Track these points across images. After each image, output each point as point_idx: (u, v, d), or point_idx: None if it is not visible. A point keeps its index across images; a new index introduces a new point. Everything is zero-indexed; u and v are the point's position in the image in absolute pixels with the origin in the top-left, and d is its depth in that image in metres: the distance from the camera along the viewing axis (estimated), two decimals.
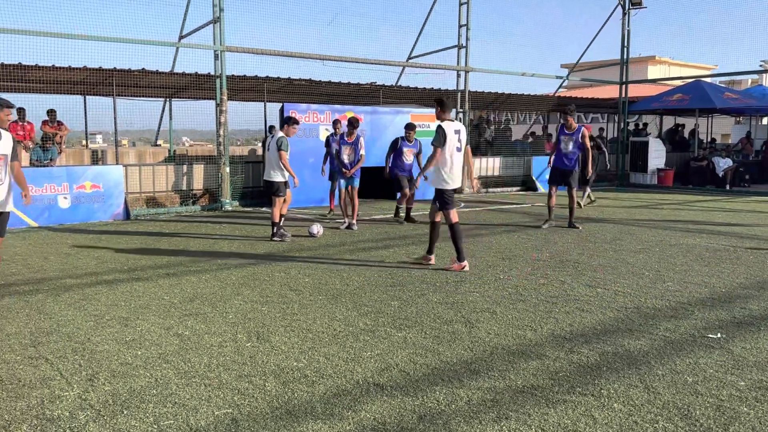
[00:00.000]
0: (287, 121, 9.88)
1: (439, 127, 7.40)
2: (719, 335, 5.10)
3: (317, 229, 10.12)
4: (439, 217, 7.82)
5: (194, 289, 6.64)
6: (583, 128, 11.24)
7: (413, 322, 5.45)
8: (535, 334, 5.12)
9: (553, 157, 11.39)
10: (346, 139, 11.23)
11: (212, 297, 6.32)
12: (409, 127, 11.93)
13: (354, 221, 11.06)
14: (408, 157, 11.91)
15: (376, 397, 3.88)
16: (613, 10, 21.70)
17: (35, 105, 23.03)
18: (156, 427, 3.50)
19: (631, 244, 9.42)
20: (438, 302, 6.11)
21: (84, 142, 21.06)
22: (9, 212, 6.33)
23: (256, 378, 4.21)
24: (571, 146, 10.99)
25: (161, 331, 5.21)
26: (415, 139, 11.97)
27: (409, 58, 19.28)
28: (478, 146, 21.67)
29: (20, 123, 14.11)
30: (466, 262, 7.62)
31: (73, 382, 4.12)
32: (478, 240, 9.85)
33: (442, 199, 7.57)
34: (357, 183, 11.20)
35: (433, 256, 7.96)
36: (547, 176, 11.84)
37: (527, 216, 13.01)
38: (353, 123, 11.25)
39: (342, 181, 11.28)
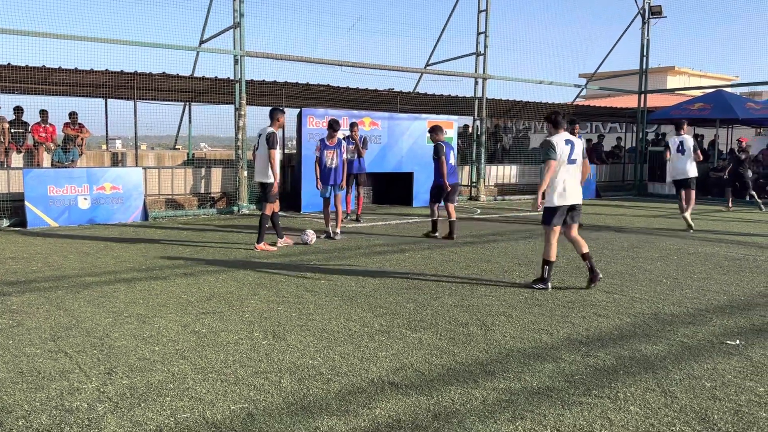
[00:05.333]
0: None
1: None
2: (738, 342, 5.05)
3: (310, 236, 9.66)
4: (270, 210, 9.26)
5: (211, 289, 6.69)
6: (582, 138, 12.53)
7: (428, 324, 5.45)
8: (551, 338, 5.10)
9: None
10: (327, 142, 10.19)
11: (229, 296, 6.36)
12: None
13: (338, 230, 10.37)
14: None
15: (391, 396, 3.89)
16: (633, 19, 21.66)
17: (57, 107, 23.28)
18: (173, 419, 3.54)
19: (649, 252, 9.35)
20: (453, 305, 6.11)
21: (104, 146, 21.31)
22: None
23: (272, 375, 4.23)
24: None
25: (178, 329, 5.25)
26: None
27: (427, 65, 19.36)
28: (494, 154, 21.65)
29: (42, 125, 14.33)
30: (263, 244, 9.15)
31: (92, 376, 4.17)
32: (495, 246, 9.83)
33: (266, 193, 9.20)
34: (341, 191, 10.40)
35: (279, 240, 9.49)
36: None
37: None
38: (333, 125, 10.27)
39: (325, 189, 10.27)
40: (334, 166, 10.20)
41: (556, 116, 6.89)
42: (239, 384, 4.06)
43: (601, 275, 6.91)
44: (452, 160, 10.64)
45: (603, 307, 6.13)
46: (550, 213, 6.84)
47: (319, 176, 10.22)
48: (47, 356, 4.54)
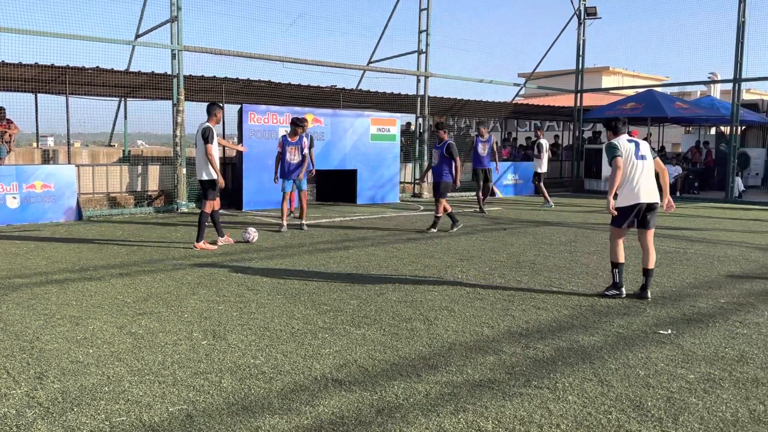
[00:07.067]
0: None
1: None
2: (670, 331, 5.23)
3: (252, 234, 9.56)
4: (210, 207, 9.05)
5: (148, 289, 6.50)
6: (493, 136, 15.46)
7: (372, 320, 5.45)
8: (492, 331, 5.18)
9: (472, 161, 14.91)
10: (288, 139, 10.73)
11: (167, 296, 6.20)
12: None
13: (304, 221, 11.00)
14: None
15: (335, 392, 3.86)
16: (569, 20, 22.19)
17: None
18: (107, 423, 3.42)
19: (586, 246, 9.61)
20: (397, 301, 6.13)
21: (35, 143, 20.45)
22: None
23: (212, 375, 4.14)
24: (487, 150, 14.69)
25: (114, 330, 5.09)
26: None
27: (370, 62, 19.34)
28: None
29: None
30: (202, 243, 8.89)
31: (21, 381, 3.99)
32: (437, 242, 9.91)
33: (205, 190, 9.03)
34: (305, 185, 10.96)
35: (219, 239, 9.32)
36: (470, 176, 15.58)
37: (484, 219, 13.14)
38: (296, 122, 10.78)
39: (286, 183, 10.72)
40: (295, 161, 10.68)
41: (616, 123, 6.52)
42: (178, 385, 3.96)
43: (649, 299, 6.30)
44: None
45: (542, 300, 6.26)
46: (622, 213, 6.35)
47: (278, 171, 10.76)
48: None
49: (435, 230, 11.02)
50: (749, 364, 4.47)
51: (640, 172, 6.27)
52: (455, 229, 11.02)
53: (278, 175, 10.76)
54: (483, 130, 14.91)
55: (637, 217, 6.37)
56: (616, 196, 6.37)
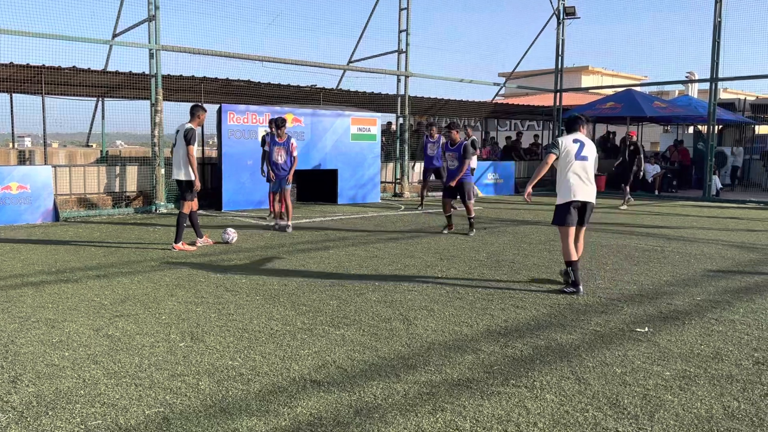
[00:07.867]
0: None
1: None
2: (647, 329, 5.29)
3: (232, 235, 9.47)
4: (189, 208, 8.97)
5: (126, 291, 6.44)
6: (443, 137, 14.77)
7: (352, 321, 5.44)
8: (471, 330, 5.20)
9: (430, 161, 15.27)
10: (276, 140, 10.71)
11: (144, 298, 6.14)
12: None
13: (289, 223, 10.86)
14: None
15: (313, 393, 3.85)
16: (548, 20, 22.33)
17: None
18: (83, 427, 3.38)
19: None
20: (377, 301, 6.13)
21: (11, 144, 20.17)
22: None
23: (190, 377, 4.11)
24: (436, 151, 14.86)
25: (90, 333, 5.03)
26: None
27: (350, 61, 19.33)
28: (417, 151, 21.85)
29: None
30: (181, 244, 8.86)
31: None
32: (418, 241, 9.93)
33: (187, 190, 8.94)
34: (288, 185, 10.86)
35: (198, 239, 9.25)
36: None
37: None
38: (278, 123, 10.63)
39: (273, 184, 10.94)
40: (281, 162, 10.69)
41: (570, 120, 6.83)
42: (154, 388, 3.92)
43: (581, 292, 6.48)
44: None
45: (521, 299, 6.29)
46: (560, 210, 6.61)
47: (264, 165, 11.08)
48: None
49: (474, 233, 10.75)
50: (724, 361, 4.53)
51: (577, 172, 6.57)
52: (446, 232, 10.90)
53: (264, 169, 10.95)
54: (433, 130, 15.21)
55: (574, 213, 6.62)
56: (558, 191, 6.70)
